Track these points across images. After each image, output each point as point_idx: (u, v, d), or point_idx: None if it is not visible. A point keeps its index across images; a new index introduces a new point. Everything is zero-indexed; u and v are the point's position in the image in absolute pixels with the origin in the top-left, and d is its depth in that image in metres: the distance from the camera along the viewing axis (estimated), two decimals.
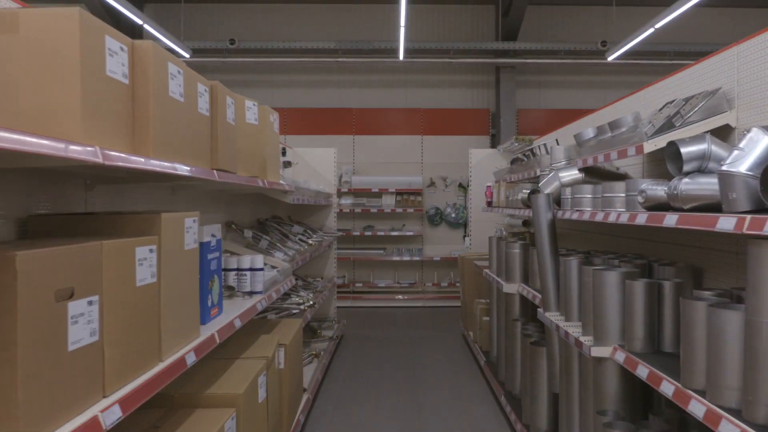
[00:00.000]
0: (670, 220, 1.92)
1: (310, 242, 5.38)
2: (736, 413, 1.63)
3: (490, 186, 6.45)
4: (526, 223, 6.33)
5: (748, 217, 1.51)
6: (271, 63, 9.75)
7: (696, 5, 6.76)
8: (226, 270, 3.26)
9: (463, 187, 9.59)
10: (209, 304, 2.59)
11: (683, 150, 1.98)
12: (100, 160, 1.43)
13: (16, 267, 1.20)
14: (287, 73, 10.04)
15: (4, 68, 1.49)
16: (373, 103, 10.03)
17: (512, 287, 4.46)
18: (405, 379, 5.36)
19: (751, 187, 1.61)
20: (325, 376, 5.40)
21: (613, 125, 2.95)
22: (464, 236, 9.26)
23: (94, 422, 1.41)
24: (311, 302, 5.00)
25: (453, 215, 9.71)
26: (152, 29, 7.94)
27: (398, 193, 9.49)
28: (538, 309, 3.48)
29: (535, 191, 3.73)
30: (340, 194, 9.23)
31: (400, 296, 9.36)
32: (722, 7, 9.64)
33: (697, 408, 1.73)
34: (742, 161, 1.63)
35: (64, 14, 1.52)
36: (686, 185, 1.92)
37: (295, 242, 5.16)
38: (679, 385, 1.89)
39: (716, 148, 1.95)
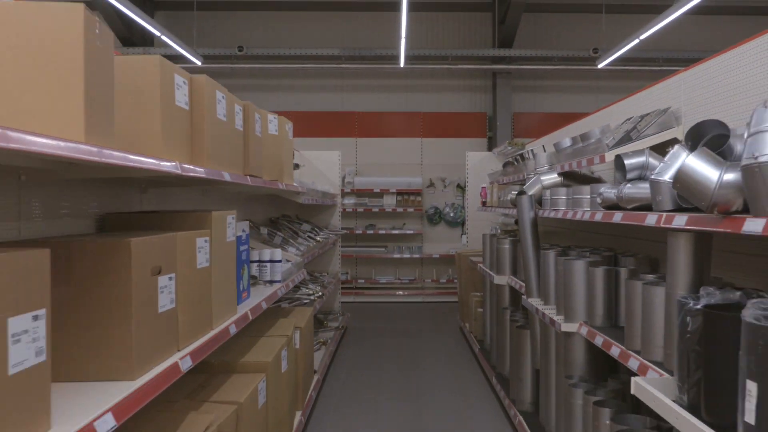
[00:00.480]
0: (617, 216, 2.41)
1: (318, 239, 5.85)
2: (660, 364, 2.12)
3: (485, 187, 6.92)
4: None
5: (664, 214, 1.99)
6: (277, 68, 10.22)
7: (683, 14, 7.19)
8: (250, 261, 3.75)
9: (461, 188, 10.03)
10: (241, 288, 3.07)
11: (626, 162, 2.47)
12: (179, 171, 1.91)
13: (131, 249, 1.68)
14: (292, 78, 10.50)
15: None
16: (374, 107, 10.49)
17: (502, 279, 4.96)
18: (405, 366, 5.84)
19: (673, 191, 2.09)
20: (332, 362, 5.89)
21: (584, 137, 3.43)
22: (462, 234, 9.72)
23: (175, 366, 1.90)
24: (320, 293, 5.49)
25: (451, 214, 10.18)
26: (166, 37, 8.40)
27: (399, 193, 9.93)
28: (522, 296, 3.96)
29: (521, 193, 4.21)
30: (343, 194, 9.66)
31: (401, 292, 9.80)
32: (707, 15, 10.08)
33: (634, 363, 2.22)
34: (666, 171, 2.12)
35: (147, 60, 2.01)
36: (628, 189, 2.41)
37: (305, 239, 5.63)
38: (623, 347, 2.38)
39: (653, 160, 2.43)
